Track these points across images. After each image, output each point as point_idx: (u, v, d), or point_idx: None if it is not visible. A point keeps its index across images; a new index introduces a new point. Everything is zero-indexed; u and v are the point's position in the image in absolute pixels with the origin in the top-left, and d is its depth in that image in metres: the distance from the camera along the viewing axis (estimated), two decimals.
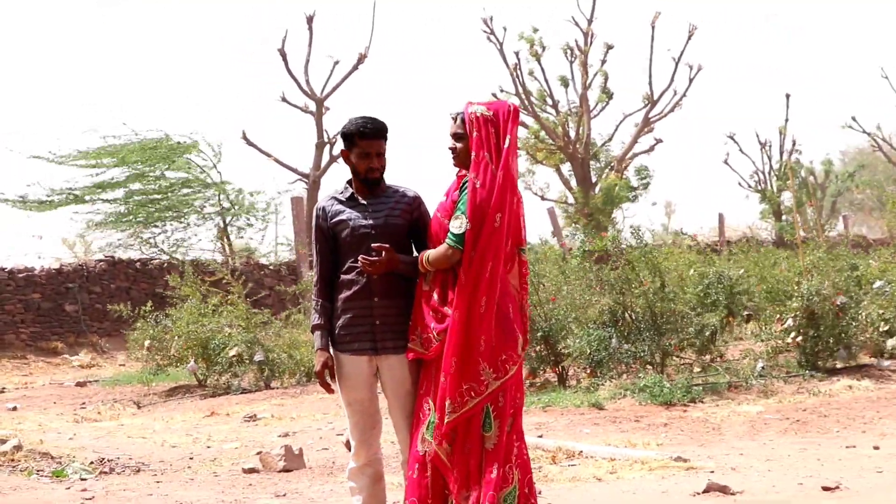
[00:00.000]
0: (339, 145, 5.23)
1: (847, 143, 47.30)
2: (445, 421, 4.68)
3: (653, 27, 26.26)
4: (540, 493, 5.97)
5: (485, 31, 26.11)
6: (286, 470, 7.77)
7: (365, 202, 4.98)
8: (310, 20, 23.85)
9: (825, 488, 6.46)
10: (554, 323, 11.20)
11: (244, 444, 9.23)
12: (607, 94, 26.38)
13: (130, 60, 62.80)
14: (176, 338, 13.82)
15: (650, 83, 26.50)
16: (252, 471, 7.80)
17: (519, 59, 26.04)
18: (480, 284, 4.68)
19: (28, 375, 17.74)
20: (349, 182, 5.06)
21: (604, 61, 26.25)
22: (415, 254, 4.97)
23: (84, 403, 13.20)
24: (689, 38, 26.29)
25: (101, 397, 13.81)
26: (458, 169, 4.91)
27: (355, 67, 24.05)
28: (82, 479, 7.63)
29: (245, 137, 23.61)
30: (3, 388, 15.49)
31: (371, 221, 4.93)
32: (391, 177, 5.08)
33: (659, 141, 27.05)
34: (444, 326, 4.73)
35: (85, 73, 63.03)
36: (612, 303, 11.35)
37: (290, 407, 11.62)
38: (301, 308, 15.72)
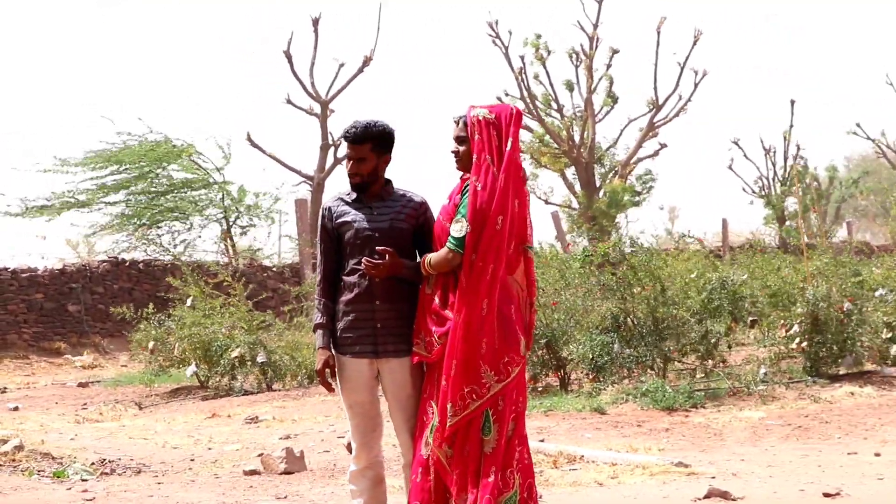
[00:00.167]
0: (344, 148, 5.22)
1: (851, 150, 47.23)
2: (447, 424, 4.67)
3: (658, 32, 26.25)
4: (541, 497, 5.96)
5: (490, 35, 26.14)
6: (287, 472, 7.76)
7: (371, 205, 4.97)
8: (315, 22, 23.90)
9: (826, 495, 6.45)
10: (556, 328, 11.20)
11: (245, 445, 9.23)
12: (612, 99, 26.39)
13: (134, 62, 62.98)
14: (178, 341, 13.82)
15: (655, 88, 26.53)
16: (253, 473, 7.79)
17: (524, 63, 26.07)
18: (481, 288, 4.67)
19: (30, 375, 17.75)
20: None
21: (609, 66, 26.28)
22: (419, 259, 4.97)
23: (86, 404, 13.21)
24: (695, 43, 26.30)
25: (103, 398, 13.82)
26: (461, 172, 4.91)
27: (360, 70, 24.09)
28: (83, 480, 7.63)
29: (250, 139, 23.64)
30: (5, 388, 15.50)
31: (376, 224, 4.91)
32: (397, 180, 5.06)
33: (663, 146, 27.06)
34: (446, 330, 4.72)
35: (85, 74, 63.20)
36: (613, 308, 11.34)
37: (291, 409, 11.62)
38: (303, 308, 15.71)
